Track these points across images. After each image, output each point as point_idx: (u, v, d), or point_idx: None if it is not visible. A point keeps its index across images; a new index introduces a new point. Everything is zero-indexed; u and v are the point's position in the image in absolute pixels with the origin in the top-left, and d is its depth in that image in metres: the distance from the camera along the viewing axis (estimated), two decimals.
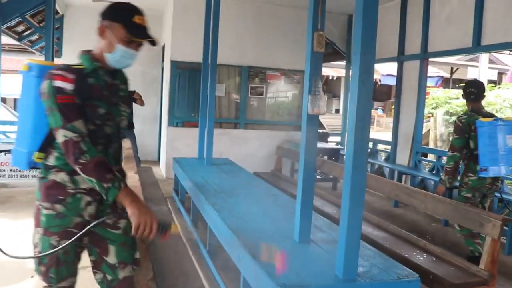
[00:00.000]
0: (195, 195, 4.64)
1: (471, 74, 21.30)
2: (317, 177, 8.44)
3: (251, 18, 8.48)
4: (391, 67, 14.84)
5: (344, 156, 7.77)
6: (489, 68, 18.79)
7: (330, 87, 22.99)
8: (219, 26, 5.68)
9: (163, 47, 9.32)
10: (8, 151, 2.27)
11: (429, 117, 12.24)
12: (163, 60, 9.51)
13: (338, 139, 10.11)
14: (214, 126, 5.99)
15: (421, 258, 3.40)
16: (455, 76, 22.63)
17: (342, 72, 18.14)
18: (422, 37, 7.27)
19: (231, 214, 3.62)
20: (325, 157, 8.03)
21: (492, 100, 11.41)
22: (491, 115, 4.44)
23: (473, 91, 4.53)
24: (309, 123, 3.02)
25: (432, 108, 12.27)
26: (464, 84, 4.89)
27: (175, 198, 6.32)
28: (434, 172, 7.14)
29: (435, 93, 13.18)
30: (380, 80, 20.68)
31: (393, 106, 8.55)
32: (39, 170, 2.17)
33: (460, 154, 4.39)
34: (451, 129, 11.86)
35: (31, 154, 2.11)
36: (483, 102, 4.66)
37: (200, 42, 6.13)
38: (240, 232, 3.16)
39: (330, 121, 19.15)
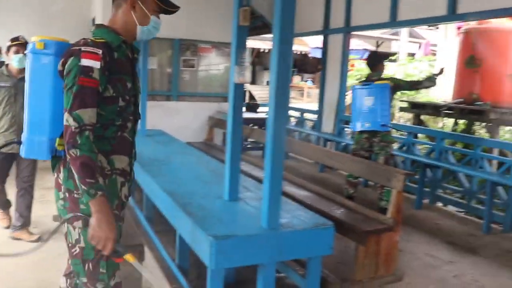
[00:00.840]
0: None
1: (394, 47, 22.43)
2: (248, 145, 8.80)
3: None
4: (319, 40, 15.36)
5: None
6: (410, 42, 19.86)
7: (262, 59, 23.31)
8: None
9: (93, 21, 9.17)
10: (18, 142, 2.05)
11: None
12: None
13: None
14: (147, 98, 6.14)
15: (338, 212, 3.81)
16: (380, 49, 23.70)
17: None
18: (345, 11, 7.69)
19: (165, 179, 3.86)
20: (256, 127, 8.37)
21: (410, 72, 12.24)
22: (376, 80, 5.17)
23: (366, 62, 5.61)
24: (235, 91, 3.30)
25: (357, 80, 12.96)
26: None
27: None
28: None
29: (360, 66, 13.88)
30: (309, 53, 21.30)
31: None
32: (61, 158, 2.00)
33: None
34: None
35: (54, 141, 1.97)
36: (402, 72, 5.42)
37: None
38: (175, 194, 3.41)
39: (262, 92, 19.56)
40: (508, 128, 7.98)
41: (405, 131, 7.15)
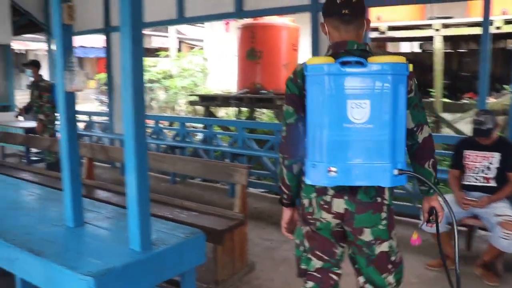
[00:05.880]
0: None
1: (155, 43, 22.78)
2: (31, 158, 7.84)
3: None
4: (93, 39, 14.88)
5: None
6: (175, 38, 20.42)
7: (17, 61, 20.87)
8: None
9: None
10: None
11: None
12: None
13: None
14: None
15: (184, 215, 3.68)
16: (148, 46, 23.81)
17: (29, 45, 16.85)
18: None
19: None
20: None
21: (186, 66, 12.55)
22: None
23: None
24: (66, 101, 2.86)
25: None
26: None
27: None
28: (154, 136, 7.57)
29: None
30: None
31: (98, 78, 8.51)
32: None
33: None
34: (153, 95, 12.63)
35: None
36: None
37: None
38: (3, 232, 2.79)
39: (22, 97, 17.58)
40: None
41: (203, 124, 7.32)
